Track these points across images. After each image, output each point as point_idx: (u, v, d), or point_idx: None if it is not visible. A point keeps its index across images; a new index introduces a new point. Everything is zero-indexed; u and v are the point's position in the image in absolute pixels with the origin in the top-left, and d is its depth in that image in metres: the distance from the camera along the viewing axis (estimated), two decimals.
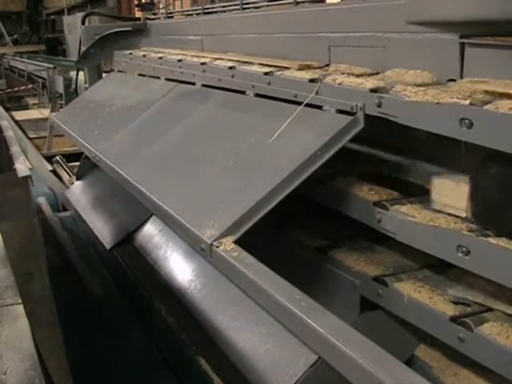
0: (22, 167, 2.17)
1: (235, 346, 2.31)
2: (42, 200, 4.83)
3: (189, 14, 4.92)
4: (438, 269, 1.91)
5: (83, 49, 5.05)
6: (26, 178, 2.10)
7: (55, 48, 21.79)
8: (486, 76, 1.80)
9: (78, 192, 4.78)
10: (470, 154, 1.72)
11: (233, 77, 2.81)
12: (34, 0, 25.30)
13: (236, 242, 1.84)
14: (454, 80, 1.94)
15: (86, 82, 5.49)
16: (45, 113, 11.97)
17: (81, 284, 3.57)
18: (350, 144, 2.06)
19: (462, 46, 1.92)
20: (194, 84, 3.20)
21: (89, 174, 4.70)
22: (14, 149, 2.51)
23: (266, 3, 3.51)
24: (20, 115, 12.72)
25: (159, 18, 5.33)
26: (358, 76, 2.14)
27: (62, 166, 6.63)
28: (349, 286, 2.05)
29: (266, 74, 2.52)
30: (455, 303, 1.73)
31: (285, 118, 2.15)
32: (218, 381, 2.41)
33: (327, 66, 2.51)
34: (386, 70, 2.19)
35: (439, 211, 1.79)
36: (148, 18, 5.46)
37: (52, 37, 23.26)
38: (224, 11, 4.03)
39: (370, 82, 1.97)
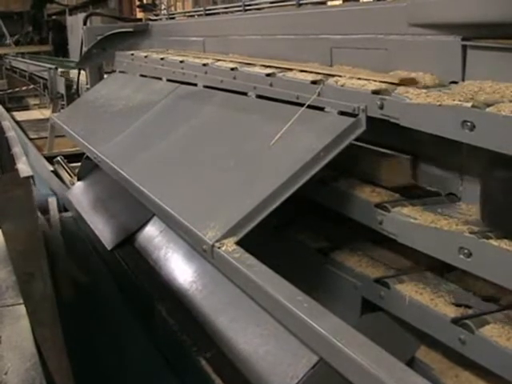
0: (24, 167, 2.17)
1: (236, 346, 2.31)
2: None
3: (190, 15, 4.93)
4: (440, 271, 1.92)
5: (85, 49, 5.05)
6: (28, 179, 2.10)
7: (63, 48, 21.78)
8: (488, 78, 1.80)
9: (79, 193, 4.78)
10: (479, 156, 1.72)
11: (235, 78, 2.81)
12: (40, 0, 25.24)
13: (238, 243, 1.84)
14: (456, 82, 1.95)
15: (87, 83, 5.50)
16: (46, 113, 11.96)
17: (82, 285, 3.57)
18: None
19: (464, 48, 1.93)
20: (195, 85, 3.20)
21: (90, 174, 4.70)
22: (16, 149, 2.52)
23: (269, 5, 3.51)
24: (21, 116, 12.72)
25: (161, 19, 5.33)
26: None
27: (63, 166, 6.63)
28: (350, 287, 2.05)
29: (267, 75, 2.52)
30: (456, 305, 1.73)
31: (287, 120, 2.15)
32: (219, 381, 2.41)
33: None
34: (389, 72, 2.19)
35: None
36: (150, 19, 5.47)
37: (59, 36, 23.21)
38: (226, 12, 4.04)
39: (372, 84, 1.97)
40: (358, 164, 2.25)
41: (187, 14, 5.14)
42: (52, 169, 6.58)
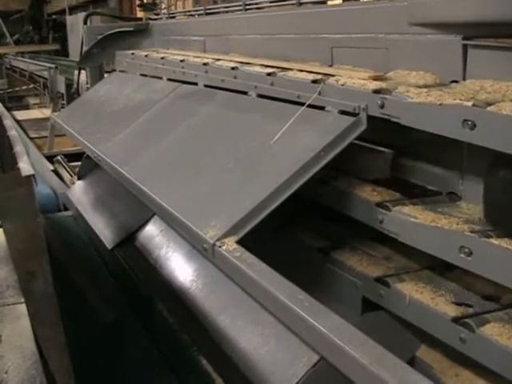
0: (25, 166, 2.17)
1: (237, 346, 2.31)
2: None
3: (191, 15, 4.93)
4: (440, 270, 1.92)
5: (85, 49, 5.05)
6: (30, 178, 2.10)
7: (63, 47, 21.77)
8: (488, 77, 1.81)
9: (79, 192, 4.78)
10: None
11: (235, 77, 2.81)
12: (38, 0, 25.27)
13: (238, 242, 1.84)
14: (456, 81, 1.95)
15: (87, 82, 5.50)
16: (46, 113, 11.97)
17: (82, 284, 3.57)
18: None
19: (465, 47, 1.93)
20: (196, 84, 3.20)
21: (90, 173, 4.70)
22: (18, 148, 2.51)
23: (269, 4, 3.51)
24: (21, 115, 12.73)
25: (161, 19, 5.33)
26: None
27: (63, 165, 6.64)
28: (351, 286, 2.05)
29: (268, 74, 2.52)
30: (457, 304, 1.73)
31: (287, 119, 2.16)
32: (220, 381, 2.41)
33: None
34: (389, 72, 2.19)
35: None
36: (150, 19, 5.47)
37: (59, 36, 23.22)
38: (226, 12, 4.04)
39: (372, 83, 1.97)
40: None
41: (188, 14, 5.14)
42: (52, 168, 6.59)
